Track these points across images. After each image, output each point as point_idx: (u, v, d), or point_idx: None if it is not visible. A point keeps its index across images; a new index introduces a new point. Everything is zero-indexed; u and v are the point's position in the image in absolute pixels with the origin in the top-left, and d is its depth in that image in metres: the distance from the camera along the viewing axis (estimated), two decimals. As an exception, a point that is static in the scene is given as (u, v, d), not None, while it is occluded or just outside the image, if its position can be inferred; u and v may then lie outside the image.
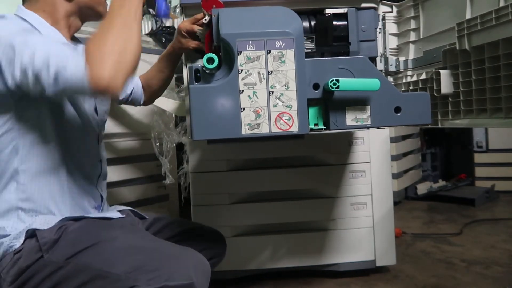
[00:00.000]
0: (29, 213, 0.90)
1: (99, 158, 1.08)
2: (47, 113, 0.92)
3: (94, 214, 0.99)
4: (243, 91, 0.84)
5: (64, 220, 0.91)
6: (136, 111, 2.11)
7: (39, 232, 0.87)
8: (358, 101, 0.89)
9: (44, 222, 0.89)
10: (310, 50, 1.12)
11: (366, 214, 1.54)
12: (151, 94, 1.37)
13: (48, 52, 0.78)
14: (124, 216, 1.03)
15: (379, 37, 1.24)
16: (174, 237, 1.14)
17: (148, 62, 2.08)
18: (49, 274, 0.85)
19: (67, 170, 0.96)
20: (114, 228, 0.94)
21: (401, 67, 1.24)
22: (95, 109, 1.08)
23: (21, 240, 0.87)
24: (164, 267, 0.85)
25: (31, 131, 0.90)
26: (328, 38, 1.12)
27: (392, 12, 1.26)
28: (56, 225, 0.89)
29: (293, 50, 0.84)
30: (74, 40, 1.07)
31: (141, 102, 1.37)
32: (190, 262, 0.88)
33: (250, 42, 0.83)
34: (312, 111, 0.90)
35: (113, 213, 1.02)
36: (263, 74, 0.84)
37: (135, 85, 1.32)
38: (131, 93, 1.31)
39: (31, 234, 0.87)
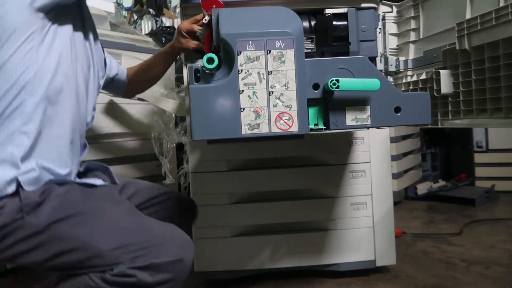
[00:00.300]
0: (30, 138, 0.87)
1: (93, 107, 1.08)
2: (62, 41, 0.93)
3: (77, 179, 0.97)
4: (243, 91, 0.84)
5: (48, 183, 0.89)
6: (136, 111, 2.11)
7: (23, 192, 0.84)
8: (358, 101, 0.89)
9: (32, 181, 0.86)
10: (310, 50, 1.12)
11: (366, 214, 1.54)
12: (136, 87, 1.37)
13: None
14: (106, 183, 1.02)
15: (379, 37, 1.24)
16: (144, 203, 1.14)
17: (148, 62, 2.08)
18: (26, 237, 0.83)
19: (70, 102, 0.95)
20: (100, 198, 0.93)
21: (401, 67, 1.24)
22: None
23: (13, 188, 0.84)
24: (152, 245, 0.85)
25: (47, 56, 0.90)
26: (328, 38, 1.12)
27: (392, 12, 1.27)
28: (41, 188, 0.87)
29: (293, 50, 0.84)
30: None
31: (122, 92, 1.36)
32: (177, 239, 0.90)
33: (250, 42, 0.83)
34: (312, 111, 0.90)
35: (96, 180, 1.00)
36: (263, 74, 0.84)
37: (120, 72, 1.32)
38: (113, 78, 1.30)
39: (16, 190, 0.85)
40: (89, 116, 1.06)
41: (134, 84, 1.35)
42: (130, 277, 0.83)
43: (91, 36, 1.05)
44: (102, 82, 1.18)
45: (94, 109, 1.09)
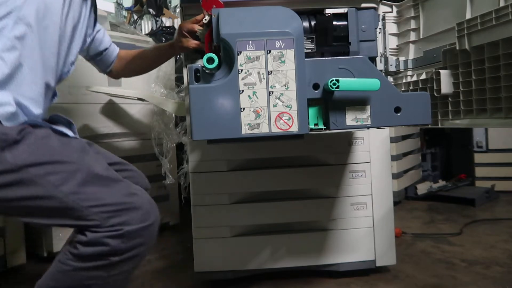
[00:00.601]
0: (8, 66, 0.85)
1: (72, 61, 1.08)
2: None
3: (51, 125, 0.94)
4: (243, 91, 0.84)
5: (24, 124, 0.86)
6: (136, 111, 2.11)
7: (1, 127, 0.82)
8: (358, 101, 0.89)
9: (9, 116, 0.84)
10: (310, 50, 1.12)
11: (366, 214, 1.54)
12: (125, 70, 1.37)
13: None
14: (77, 137, 1.00)
15: (379, 37, 1.24)
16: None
17: (148, 62, 2.08)
18: None
19: (53, 43, 0.95)
20: (78, 150, 0.92)
21: (401, 67, 1.24)
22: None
23: None
24: (127, 208, 0.86)
25: None
26: (328, 38, 1.12)
27: (392, 12, 1.26)
28: (18, 126, 0.84)
29: (293, 50, 0.84)
30: None
31: (107, 70, 1.36)
32: (147, 203, 0.91)
33: (250, 42, 0.83)
34: (312, 111, 0.90)
35: (67, 130, 0.97)
36: (263, 74, 0.84)
37: (111, 49, 1.32)
38: (102, 52, 1.30)
39: None
40: (66, 67, 1.06)
41: (125, 67, 1.35)
42: (104, 246, 0.84)
43: (89, 2, 1.10)
44: (88, 40, 1.20)
45: (72, 64, 1.09)
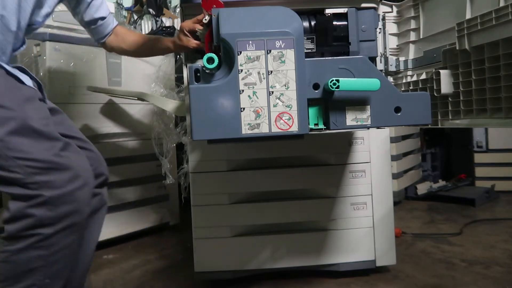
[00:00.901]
0: None
1: (47, 13, 1.06)
2: None
3: (7, 67, 0.91)
4: (243, 91, 0.84)
5: None
6: (136, 111, 2.11)
7: None
8: (358, 101, 0.89)
9: None
10: (310, 50, 1.12)
11: (366, 214, 1.54)
12: (119, 47, 1.36)
13: None
14: (35, 88, 0.96)
15: (379, 37, 1.24)
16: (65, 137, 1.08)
17: (149, 62, 2.08)
18: None
19: None
20: (25, 99, 0.88)
21: (401, 67, 1.24)
22: None
23: None
24: (54, 168, 0.82)
25: None
26: (328, 38, 1.12)
27: (392, 12, 1.27)
28: None
29: (293, 50, 0.84)
30: None
31: (101, 41, 1.35)
32: (77, 167, 0.87)
33: (250, 42, 0.83)
34: (312, 111, 0.90)
35: (26, 78, 0.94)
36: (263, 74, 0.84)
37: (107, 21, 1.31)
38: (98, 21, 1.29)
39: None
40: (39, 17, 1.03)
41: (120, 44, 1.35)
42: (29, 218, 0.80)
43: None
44: None
45: (47, 15, 1.07)
